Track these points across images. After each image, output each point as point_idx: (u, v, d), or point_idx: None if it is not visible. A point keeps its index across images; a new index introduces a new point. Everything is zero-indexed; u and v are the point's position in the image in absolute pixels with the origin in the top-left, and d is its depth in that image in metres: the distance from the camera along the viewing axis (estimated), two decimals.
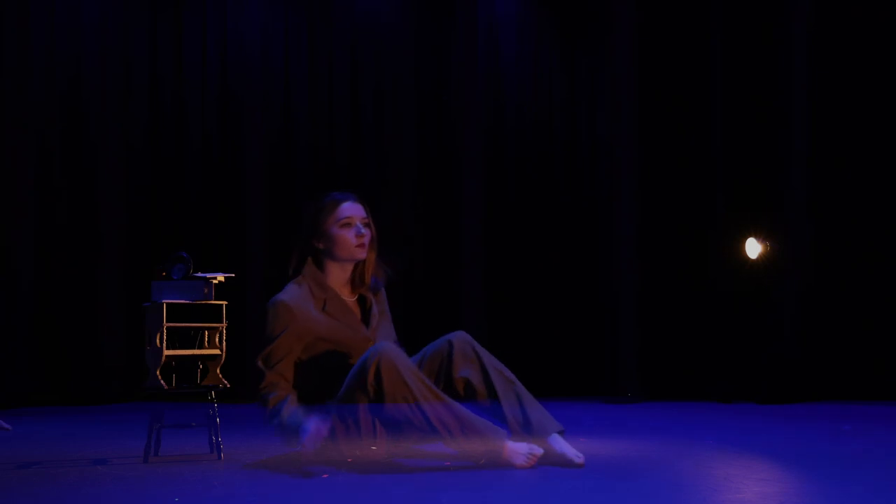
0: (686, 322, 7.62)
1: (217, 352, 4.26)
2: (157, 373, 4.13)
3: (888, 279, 7.24)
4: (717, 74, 7.55)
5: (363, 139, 8.31)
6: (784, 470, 3.74)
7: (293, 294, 3.84)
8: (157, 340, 4.13)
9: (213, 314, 4.23)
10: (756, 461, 4.00)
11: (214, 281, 4.21)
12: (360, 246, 3.84)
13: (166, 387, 4.14)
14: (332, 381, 3.77)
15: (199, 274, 4.23)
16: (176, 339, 4.17)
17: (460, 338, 3.88)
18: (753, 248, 7.34)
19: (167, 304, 4.14)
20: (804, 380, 7.14)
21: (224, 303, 4.25)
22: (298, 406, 3.72)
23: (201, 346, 4.23)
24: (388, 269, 3.99)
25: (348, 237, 3.83)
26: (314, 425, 3.57)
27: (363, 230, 3.85)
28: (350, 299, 3.92)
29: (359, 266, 3.90)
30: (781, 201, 7.32)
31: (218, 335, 4.26)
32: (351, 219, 3.85)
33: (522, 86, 8.53)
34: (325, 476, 3.64)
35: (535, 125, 8.55)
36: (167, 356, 4.14)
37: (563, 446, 3.71)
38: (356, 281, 3.92)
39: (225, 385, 4.25)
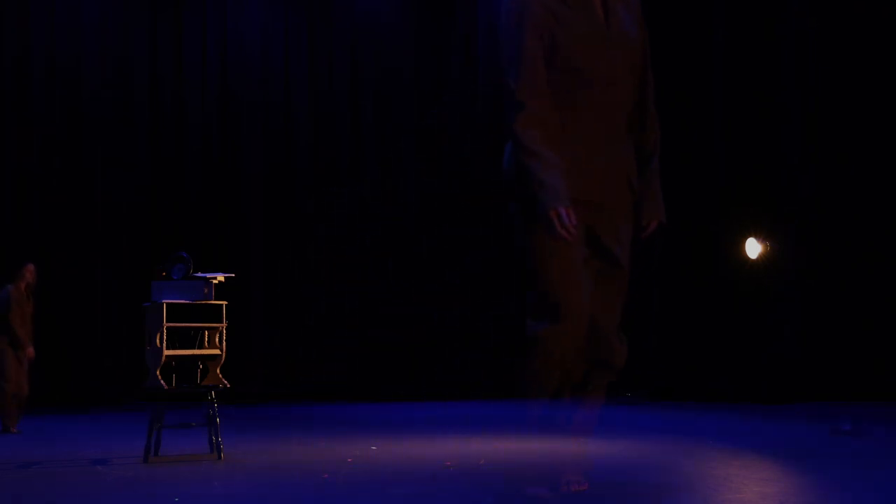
0: (686, 322, 7.61)
1: (217, 352, 4.26)
2: (157, 373, 4.13)
3: (888, 279, 7.23)
4: (719, 71, 7.54)
5: (363, 139, 8.30)
6: (784, 470, 3.74)
7: None
8: (157, 340, 4.13)
9: (213, 314, 4.23)
10: (756, 461, 4.00)
11: (214, 281, 4.22)
12: None
13: (166, 387, 4.14)
14: (566, 94, 3.17)
15: (199, 274, 4.24)
16: (176, 339, 4.18)
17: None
18: (753, 248, 7.33)
19: (167, 304, 4.14)
20: (804, 380, 7.13)
21: (224, 303, 4.25)
22: (555, 162, 3.01)
23: (201, 346, 4.23)
24: None
25: None
26: (558, 206, 2.93)
27: None
28: None
29: None
30: (782, 200, 7.31)
31: (218, 335, 4.26)
32: None
33: None
34: (325, 476, 3.64)
35: None
36: (167, 356, 4.14)
37: None
38: None
39: (225, 385, 4.25)
